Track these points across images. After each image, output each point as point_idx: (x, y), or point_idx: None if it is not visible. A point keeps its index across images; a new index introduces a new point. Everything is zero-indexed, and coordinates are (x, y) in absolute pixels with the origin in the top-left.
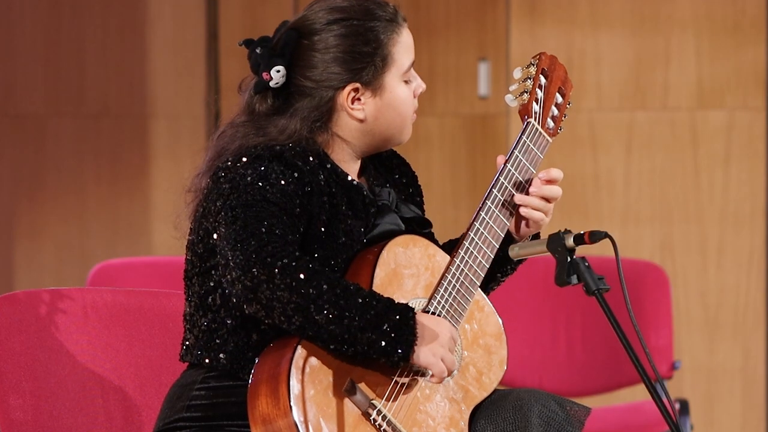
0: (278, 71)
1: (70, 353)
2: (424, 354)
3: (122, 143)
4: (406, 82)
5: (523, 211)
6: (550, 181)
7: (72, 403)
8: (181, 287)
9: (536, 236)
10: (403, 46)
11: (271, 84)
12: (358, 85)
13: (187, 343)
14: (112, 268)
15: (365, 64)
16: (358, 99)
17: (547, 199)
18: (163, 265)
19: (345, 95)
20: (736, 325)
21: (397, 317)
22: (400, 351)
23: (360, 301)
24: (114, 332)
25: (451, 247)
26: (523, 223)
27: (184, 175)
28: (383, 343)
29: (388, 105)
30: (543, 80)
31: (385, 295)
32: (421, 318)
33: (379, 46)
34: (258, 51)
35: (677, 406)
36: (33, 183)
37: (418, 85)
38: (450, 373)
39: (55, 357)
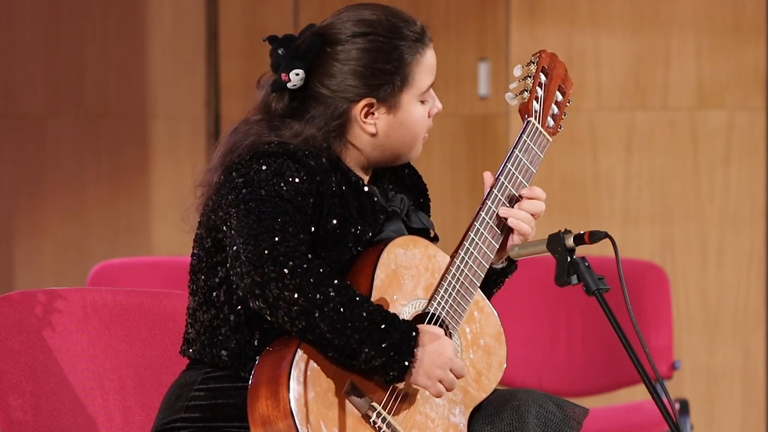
0: (297, 74)
1: (70, 353)
2: (421, 377)
3: (122, 143)
4: (422, 102)
5: (511, 222)
6: (533, 198)
7: (72, 403)
8: (181, 287)
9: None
10: (425, 68)
11: (289, 86)
12: (373, 100)
13: (188, 337)
14: (112, 268)
15: (384, 81)
16: (372, 113)
17: (532, 214)
18: (163, 265)
19: (359, 108)
20: (736, 325)
21: (399, 337)
22: (394, 373)
23: (364, 314)
24: (114, 332)
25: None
26: (512, 234)
27: (184, 175)
28: (380, 361)
29: (401, 123)
30: (543, 78)
31: (386, 297)
32: (424, 337)
33: (401, 66)
34: (280, 52)
35: (677, 406)
36: (33, 183)
37: (434, 105)
38: (450, 390)
39: (55, 357)
